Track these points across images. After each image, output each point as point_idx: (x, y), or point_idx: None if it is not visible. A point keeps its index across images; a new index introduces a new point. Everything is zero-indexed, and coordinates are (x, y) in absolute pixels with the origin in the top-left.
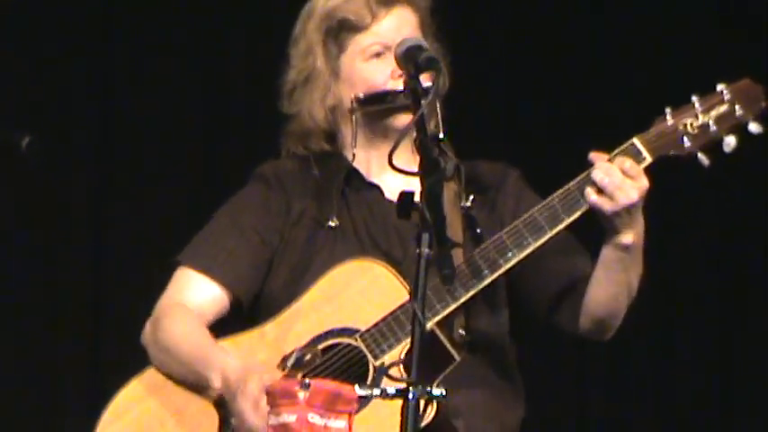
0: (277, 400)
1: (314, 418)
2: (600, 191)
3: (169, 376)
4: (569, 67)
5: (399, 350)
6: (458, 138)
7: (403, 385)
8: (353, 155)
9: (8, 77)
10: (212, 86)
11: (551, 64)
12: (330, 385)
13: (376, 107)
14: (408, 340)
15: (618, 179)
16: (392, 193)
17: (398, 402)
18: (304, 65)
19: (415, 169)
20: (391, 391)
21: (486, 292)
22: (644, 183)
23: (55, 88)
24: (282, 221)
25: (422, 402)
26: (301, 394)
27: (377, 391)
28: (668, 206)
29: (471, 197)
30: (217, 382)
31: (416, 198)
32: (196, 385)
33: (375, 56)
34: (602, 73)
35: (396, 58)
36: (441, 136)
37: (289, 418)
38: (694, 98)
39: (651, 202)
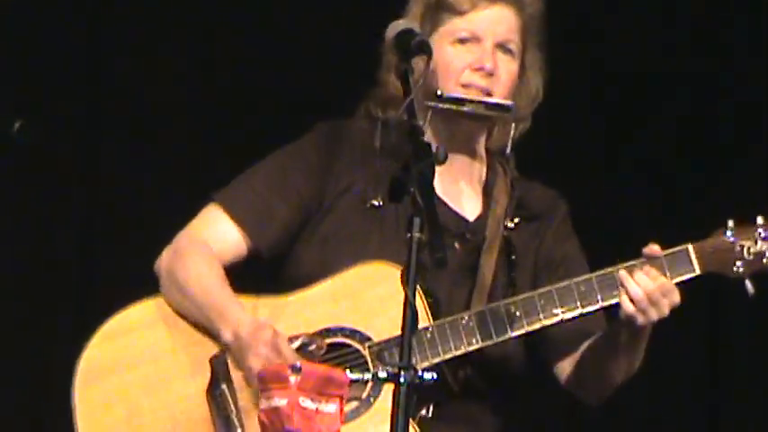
0: (268, 384)
1: (305, 402)
2: (631, 301)
3: (177, 310)
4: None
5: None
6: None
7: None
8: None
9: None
10: (209, 73)
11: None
12: (321, 369)
13: (452, 107)
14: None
15: (654, 297)
16: (443, 193)
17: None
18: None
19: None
20: (383, 374)
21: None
22: (676, 299)
23: (46, 73)
24: (328, 187)
25: None
26: (293, 378)
27: (368, 375)
28: None
29: (517, 220)
30: (226, 336)
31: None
32: (202, 329)
33: (461, 41)
34: None
35: (386, 43)
36: (508, 152)
37: (280, 401)
38: (759, 220)
39: None
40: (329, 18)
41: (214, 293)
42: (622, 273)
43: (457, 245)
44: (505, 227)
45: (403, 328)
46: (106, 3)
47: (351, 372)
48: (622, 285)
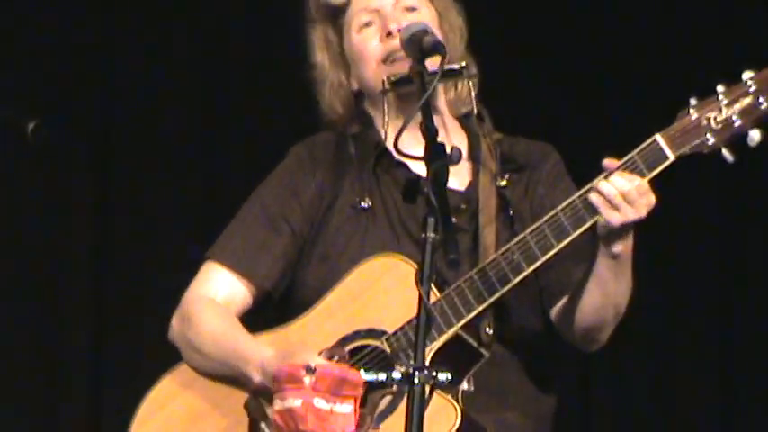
0: (282, 384)
1: (319, 403)
2: (606, 200)
3: (202, 373)
4: (591, 50)
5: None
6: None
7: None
8: (385, 134)
9: (14, 63)
10: (214, 79)
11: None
12: (336, 369)
13: (407, 88)
14: (434, 344)
15: (630, 196)
16: (420, 171)
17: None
18: (312, 62)
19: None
20: (397, 375)
21: (515, 289)
22: (652, 199)
23: (58, 75)
24: (314, 208)
25: (448, 407)
26: (307, 379)
27: (382, 376)
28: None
29: (507, 176)
30: (256, 377)
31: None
32: (231, 381)
33: (365, 26)
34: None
35: (401, 43)
36: (474, 111)
37: (294, 402)
38: (719, 89)
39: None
40: None
41: (231, 343)
42: (596, 180)
43: (454, 219)
44: (498, 186)
45: (417, 330)
46: (118, 4)
47: (365, 372)
48: (595, 189)
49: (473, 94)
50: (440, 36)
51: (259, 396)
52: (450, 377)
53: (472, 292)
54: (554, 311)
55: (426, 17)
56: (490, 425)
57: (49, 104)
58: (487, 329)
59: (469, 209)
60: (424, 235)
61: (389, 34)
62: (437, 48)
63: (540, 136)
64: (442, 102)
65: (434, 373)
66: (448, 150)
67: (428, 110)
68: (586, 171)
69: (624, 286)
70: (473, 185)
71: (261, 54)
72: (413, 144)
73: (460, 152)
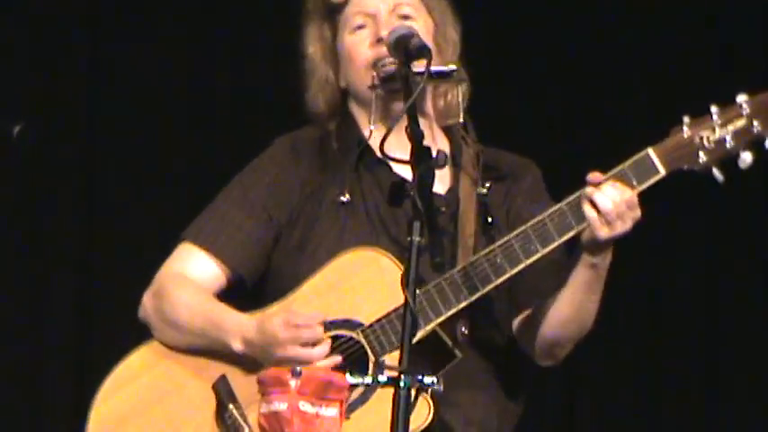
0: (268, 388)
1: (305, 406)
2: (599, 213)
3: (176, 347)
4: (590, 62)
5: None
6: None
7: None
8: (370, 132)
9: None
10: (201, 74)
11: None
12: (321, 373)
13: (396, 86)
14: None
15: (620, 210)
16: (401, 171)
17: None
18: (303, 53)
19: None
20: (383, 379)
21: (492, 292)
22: (638, 213)
23: (45, 77)
24: (293, 197)
25: (422, 403)
26: (293, 382)
27: (368, 380)
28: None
29: (488, 184)
30: (237, 346)
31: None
32: (207, 353)
33: (358, 28)
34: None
35: (387, 46)
36: (461, 120)
37: (280, 406)
38: (713, 109)
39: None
40: None
41: (206, 312)
42: (588, 189)
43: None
44: (478, 193)
45: (402, 333)
46: (106, 4)
47: (351, 375)
48: (590, 199)
49: (461, 100)
50: (430, 45)
51: (226, 376)
52: (436, 381)
53: (453, 290)
54: (517, 321)
55: (421, 26)
56: (456, 421)
57: (34, 107)
58: (463, 329)
59: (449, 212)
60: (409, 238)
61: (380, 40)
62: (423, 51)
63: (524, 150)
64: (429, 107)
65: (421, 377)
66: (434, 154)
67: (414, 113)
68: (568, 186)
69: (594, 303)
70: (453, 190)
71: (248, 56)
72: (398, 147)
73: (446, 156)
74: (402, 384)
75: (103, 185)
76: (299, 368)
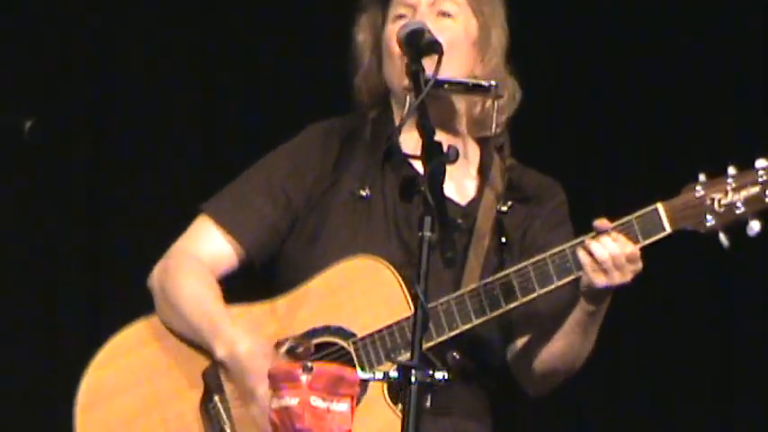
0: (279, 383)
1: (316, 402)
2: (596, 262)
3: (169, 327)
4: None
5: (385, 369)
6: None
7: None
8: (399, 130)
9: (8, 62)
10: (211, 73)
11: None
12: (332, 368)
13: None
14: (400, 358)
15: (619, 261)
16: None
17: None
18: (355, 40)
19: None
20: (393, 374)
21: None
22: (640, 266)
23: (55, 73)
24: (315, 186)
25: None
26: (304, 377)
27: (379, 375)
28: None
29: (510, 203)
30: (220, 353)
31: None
32: (193, 345)
33: (398, 18)
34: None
35: (398, 41)
36: (493, 131)
37: (291, 401)
38: (730, 170)
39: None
40: (329, 17)
41: (207, 311)
42: (587, 239)
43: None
44: (498, 210)
45: (414, 328)
46: (112, 4)
47: (362, 371)
48: (586, 248)
49: (495, 115)
50: (467, 46)
51: (218, 367)
52: (446, 376)
53: (459, 309)
54: (511, 350)
55: (459, 26)
56: None
57: (46, 102)
58: (455, 353)
59: (465, 225)
60: (420, 233)
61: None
62: (433, 47)
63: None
64: (462, 113)
65: (432, 372)
66: (445, 149)
67: (424, 108)
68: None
69: (587, 345)
70: (475, 202)
71: (261, 48)
72: (417, 146)
73: (458, 151)
74: (413, 379)
75: (111, 184)
76: (309, 363)
